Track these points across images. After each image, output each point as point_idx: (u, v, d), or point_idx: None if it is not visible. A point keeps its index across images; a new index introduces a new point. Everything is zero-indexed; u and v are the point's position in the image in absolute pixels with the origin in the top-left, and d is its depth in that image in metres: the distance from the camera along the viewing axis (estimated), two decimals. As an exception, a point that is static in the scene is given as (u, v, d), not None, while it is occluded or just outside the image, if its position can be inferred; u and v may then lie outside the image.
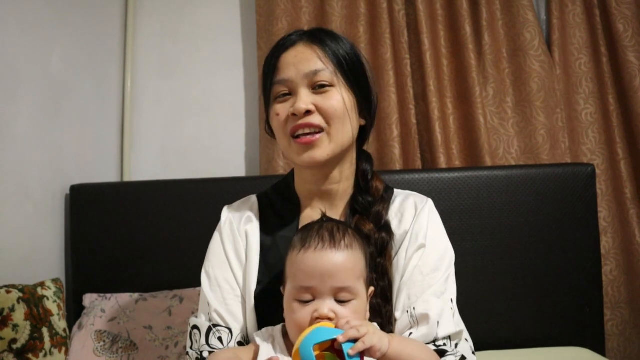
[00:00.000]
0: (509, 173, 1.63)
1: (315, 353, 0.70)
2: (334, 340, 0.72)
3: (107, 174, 1.91)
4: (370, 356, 0.74)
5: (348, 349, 0.71)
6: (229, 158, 2.00)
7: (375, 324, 0.83)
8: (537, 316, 1.57)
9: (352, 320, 0.75)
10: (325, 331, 0.74)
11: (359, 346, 0.71)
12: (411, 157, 1.88)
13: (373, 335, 0.73)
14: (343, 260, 0.81)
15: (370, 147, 1.88)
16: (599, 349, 1.56)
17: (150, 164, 2.00)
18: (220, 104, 2.02)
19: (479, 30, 1.90)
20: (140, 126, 2.01)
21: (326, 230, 0.85)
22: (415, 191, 1.02)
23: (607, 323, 1.77)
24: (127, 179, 1.96)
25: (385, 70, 1.86)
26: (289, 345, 0.83)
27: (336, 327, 0.75)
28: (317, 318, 0.78)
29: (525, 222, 1.59)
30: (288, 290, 0.84)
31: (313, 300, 0.80)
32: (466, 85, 1.87)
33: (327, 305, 0.79)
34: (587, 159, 1.89)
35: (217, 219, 1.03)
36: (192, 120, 2.02)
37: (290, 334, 0.84)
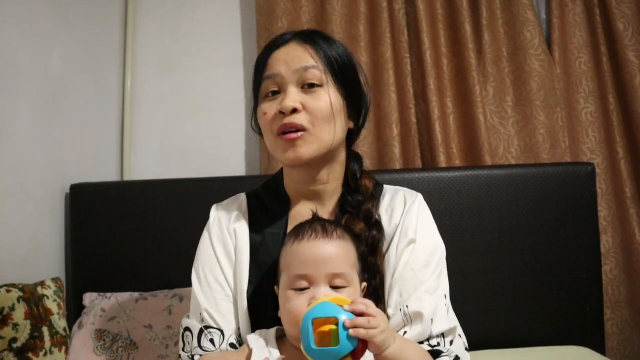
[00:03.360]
0: (509, 172, 1.63)
1: (324, 328, 0.71)
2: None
3: (107, 173, 1.91)
4: (370, 349, 0.74)
5: (350, 330, 0.71)
6: (229, 157, 2.00)
7: (386, 318, 0.81)
8: (537, 315, 1.57)
9: (370, 307, 0.75)
10: (328, 307, 0.74)
11: (361, 333, 0.71)
12: (411, 156, 1.87)
13: (381, 333, 0.73)
14: (336, 248, 0.83)
15: (370, 146, 1.89)
16: (599, 348, 1.56)
17: (150, 163, 2.00)
18: (220, 103, 2.02)
19: (479, 29, 1.90)
20: (140, 125, 2.01)
21: (319, 224, 0.87)
22: (416, 190, 1.02)
23: (607, 322, 1.77)
24: (127, 178, 1.96)
25: (385, 70, 1.86)
26: (282, 349, 0.83)
27: (344, 306, 0.74)
28: None
29: (525, 221, 1.59)
30: (283, 282, 0.84)
31: (308, 288, 0.81)
32: (466, 85, 1.87)
33: (323, 292, 0.80)
34: (587, 158, 1.89)
35: (216, 218, 1.03)
36: (192, 119, 2.02)
37: (285, 327, 0.84)
